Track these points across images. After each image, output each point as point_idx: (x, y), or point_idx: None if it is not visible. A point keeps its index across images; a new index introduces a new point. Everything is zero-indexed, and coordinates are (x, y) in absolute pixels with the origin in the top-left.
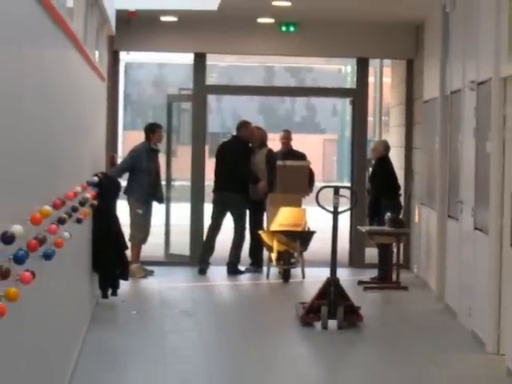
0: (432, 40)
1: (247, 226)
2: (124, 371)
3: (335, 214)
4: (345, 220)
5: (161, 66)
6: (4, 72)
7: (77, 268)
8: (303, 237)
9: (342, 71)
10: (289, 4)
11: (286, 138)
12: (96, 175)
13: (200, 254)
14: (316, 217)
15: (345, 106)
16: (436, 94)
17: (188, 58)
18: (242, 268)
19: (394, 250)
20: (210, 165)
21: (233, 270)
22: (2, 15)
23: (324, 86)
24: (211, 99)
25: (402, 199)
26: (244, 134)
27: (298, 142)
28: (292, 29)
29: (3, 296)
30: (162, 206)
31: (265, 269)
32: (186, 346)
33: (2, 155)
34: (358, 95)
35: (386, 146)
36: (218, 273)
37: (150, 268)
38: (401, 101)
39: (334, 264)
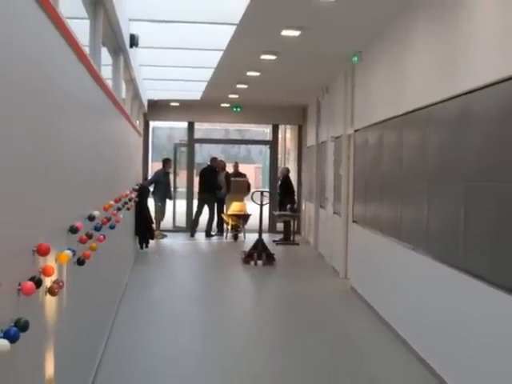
0: (311, 114)
1: (215, 211)
2: (151, 288)
3: (261, 205)
4: (266, 209)
5: (171, 128)
6: (90, 134)
7: (127, 234)
8: (244, 217)
9: (265, 131)
10: (237, 97)
11: (236, 166)
12: (137, 185)
13: (191, 226)
14: (251, 207)
15: (266, 149)
16: (313, 142)
17: (185, 124)
18: (212, 233)
19: (292, 224)
20: (196, 180)
21: (208, 234)
22: (92, 108)
23: (255, 139)
24: (197, 146)
25: (296, 198)
26: (214, 164)
27: (242, 168)
28: (238, 109)
29: (89, 248)
30: (172, 202)
31: (225, 234)
32: (183, 274)
33: (91, 178)
34: (273, 144)
35: (287, 170)
36: (200, 236)
37: (165, 233)
38: (295, 146)
39: (260, 231)
